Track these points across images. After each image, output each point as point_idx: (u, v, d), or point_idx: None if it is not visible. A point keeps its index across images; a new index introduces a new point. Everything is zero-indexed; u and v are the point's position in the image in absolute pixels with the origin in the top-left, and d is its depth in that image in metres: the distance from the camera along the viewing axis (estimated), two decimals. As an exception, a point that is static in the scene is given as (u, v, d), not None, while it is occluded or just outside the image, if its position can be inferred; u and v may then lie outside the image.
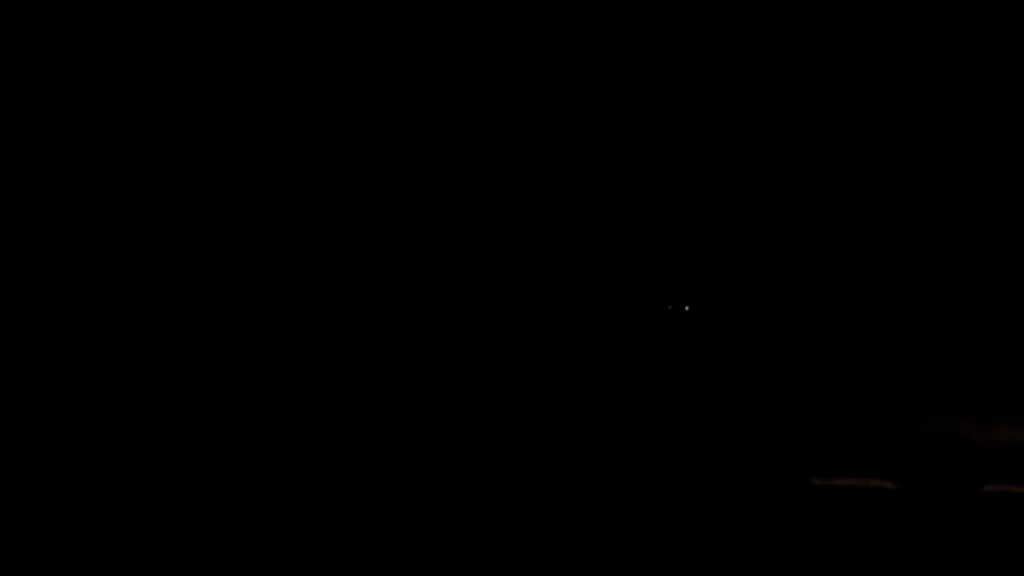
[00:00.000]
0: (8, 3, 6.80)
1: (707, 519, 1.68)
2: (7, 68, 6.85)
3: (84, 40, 7.19)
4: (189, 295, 7.53)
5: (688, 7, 7.94)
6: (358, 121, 8.53)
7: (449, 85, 8.57)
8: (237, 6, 7.39)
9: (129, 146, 7.28)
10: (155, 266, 7.57)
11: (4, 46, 6.83)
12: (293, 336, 7.59)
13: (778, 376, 10.99)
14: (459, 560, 1.54)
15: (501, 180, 9.31)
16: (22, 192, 6.98)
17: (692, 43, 8.47)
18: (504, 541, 1.61)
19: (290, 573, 1.82)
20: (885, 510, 1.74)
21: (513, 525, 1.65)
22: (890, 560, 1.55)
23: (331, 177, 8.28)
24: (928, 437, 1.87)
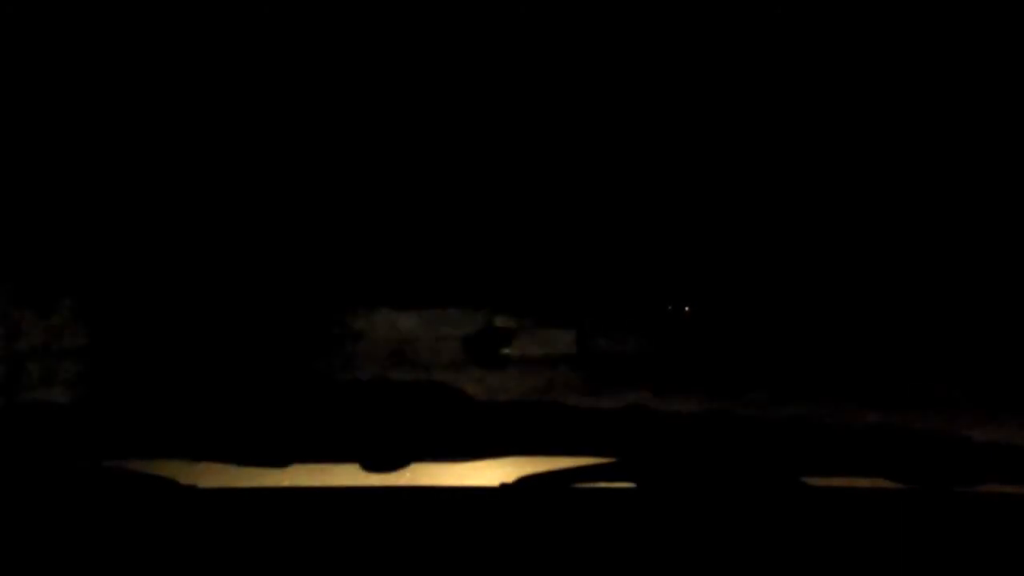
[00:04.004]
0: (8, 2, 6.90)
1: (697, 521, 1.62)
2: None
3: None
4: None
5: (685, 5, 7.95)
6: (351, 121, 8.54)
7: (449, 83, 8.56)
8: None
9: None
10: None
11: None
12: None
13: (771, 372, 11.01)
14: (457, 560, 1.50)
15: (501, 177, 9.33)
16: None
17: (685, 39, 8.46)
18: (501, 542, 1.56)
19: None
20: (882, 510, 1.69)
21: (512, 533, 1.60)
22: (887, 561, 1.50)
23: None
24: (926, 436, 1.82)
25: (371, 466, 1.68)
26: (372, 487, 1.74)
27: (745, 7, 9.05)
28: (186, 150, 9.30)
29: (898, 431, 1.79)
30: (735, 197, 11.64)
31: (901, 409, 10.10)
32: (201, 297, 10.17)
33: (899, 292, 12.15)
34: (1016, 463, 1.71)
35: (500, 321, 15.60)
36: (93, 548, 1.50)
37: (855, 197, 11.38)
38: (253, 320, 10.99)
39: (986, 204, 10.67)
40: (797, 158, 10.79)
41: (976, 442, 1.75)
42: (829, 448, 1.77)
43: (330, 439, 1.71)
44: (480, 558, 1.49)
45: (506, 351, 15.71)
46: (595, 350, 15.70)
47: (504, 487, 1.73)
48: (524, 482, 1.72)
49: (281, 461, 1.70)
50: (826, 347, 12.04)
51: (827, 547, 1.54)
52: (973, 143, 9.92)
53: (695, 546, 1.54)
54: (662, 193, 11.74)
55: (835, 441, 1.79)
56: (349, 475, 1.73)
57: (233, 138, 9.34)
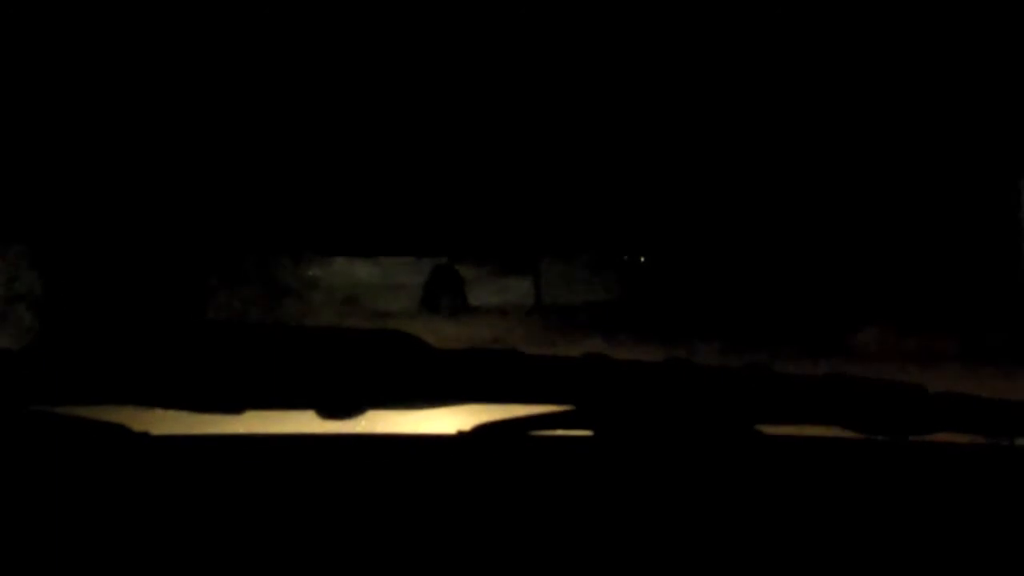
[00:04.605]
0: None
1: (655, 469, 1.62)
2: None
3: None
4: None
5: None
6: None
7: (402, 31, 8.50)
8: None
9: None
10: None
11: None
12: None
13: (725, 323, 11.14)
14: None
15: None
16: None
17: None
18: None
19: None
20: (837, 459, 1.69)
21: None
22: (842, 510, 1.51)
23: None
24: (880, 385, 1.82)
25: (326, 413, 1.66)
26: (327, 435, 1.72)
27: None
28: (137, 98, 9.15)
29: (852, 380, 1.80)
30: (692, 149, 11.66)
31: (854, 359, 10.24)
32: (151, 242, 10.03)
33: (851, 243, 12.27)
34: (970, 413, 1.73)
35: (457, 270, 15.57)
36: (40, 495, 1.47)
37: (805, 151, 11.48)
38: (205, 266, 10.86)
39: (915, 160, 10.86)
40: (755, 113, 10.83)
41: (930, 392, 1.76)
42: (785, 397, 1.77)
43: (285, 386, 1.68)
44: (435, 507, 1.48)
45: (462, 300, 15.70)
46: (552, 298, 15.72)
47: (460, 435, 1.72)
48: (481, 430, 1.71)
49: (235, 408, 1.68)
50: (777, 297, 12.14)
51: (783, 496, 1.54)
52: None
53: (653, 494, 1.53)
54: (622, 144, 11.74)
55: (791, 390, 1.80)
56: (304, 422, 1.72)
57: (184, 87, 9.20)
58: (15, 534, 1.36)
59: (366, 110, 10.47)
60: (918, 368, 9.26)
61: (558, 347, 11.95)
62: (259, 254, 11.63)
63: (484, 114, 11.33)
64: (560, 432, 1.71)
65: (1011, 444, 1.68)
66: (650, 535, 1.43)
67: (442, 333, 12.04)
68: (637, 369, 1.75)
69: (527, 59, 10.12)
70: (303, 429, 1.75)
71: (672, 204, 13.12)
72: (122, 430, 1.66)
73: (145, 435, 1.68)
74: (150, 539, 1.39)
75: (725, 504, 1.51)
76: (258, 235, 11.00)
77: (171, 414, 1.69)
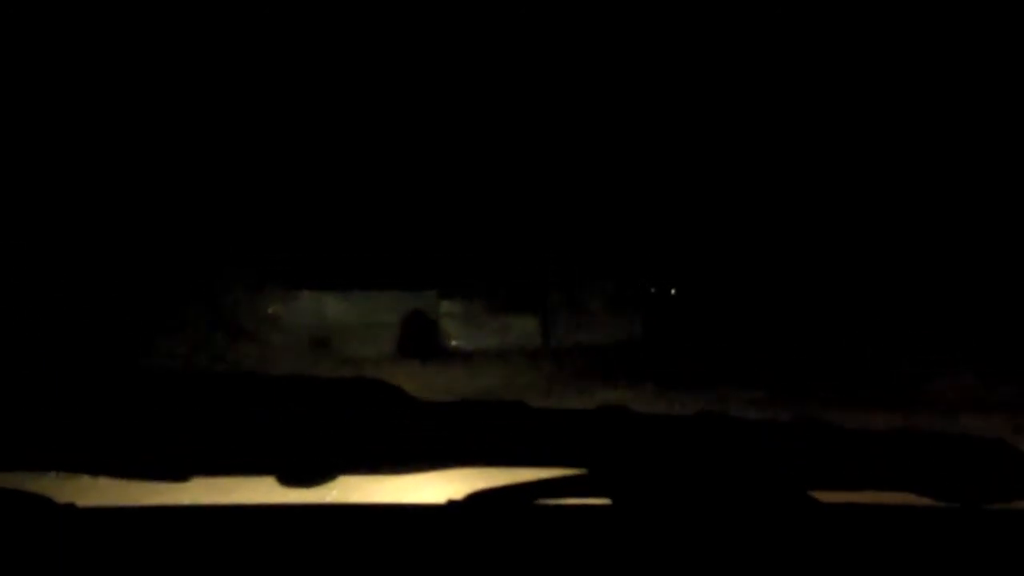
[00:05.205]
0: None
1: (684, 544, 1.62)
2: None
3: None
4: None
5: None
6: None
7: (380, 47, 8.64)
8: None
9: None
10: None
11: None
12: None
13: (771, 367, 11.14)
14: None
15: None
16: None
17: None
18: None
19: None
20: (908, 531, 1.69)
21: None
22: None
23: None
24: (960, 443, 1.82)
25: (290, 480, 1.66)
26: (291, 505, 1.72)
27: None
28: (86, 123, 9.27)
29: (924, 437, 1.80)
30: (735, 157, 11.72)
31: (929, 411, 10.21)
32: (74, 270, 10.01)
33: (908, 284, 12.29)
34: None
35: (446, 306, 15.54)
36: None
37: (856, 187, 11.61)
38: (141, 301, 10.82)
39: (981, 200, 11.01)
40: (797, 149, 10.97)
41: (1018, 450, 1.76)
42: (844, 457, 1.77)
43: (239, 448, 1.68)
44: None
45: (454, 342, 15.68)
46: (562, 339, 15.71)
47: (452, 504, 1.72)
48: (476, 498, 1.71)
49: (179, 474, 1.68)
50: (836, 334, 12.13)
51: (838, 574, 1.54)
52: (966, 140, 10.31)
53: (680, 574, 1.54)
54: (647, 153, 11.80)
55: (851, 448, 1.80)
56: (263, 491, 1.71)
57: (136, 107, 9.33)
58: None
59: (338, 114, 10.52)
60: (1004, 421, 9.25)
61: (569, 399, 11.94)
62: (207, 286, 11.61)
63: (479, 118, 11.36)
64: (571, 500, 1.71)
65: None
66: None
67: (430, 383, 12.03)
68: (662, 425, 1.76)
69: (533, 53, 10.20)
70: (261, 499, 1.75)
71: (709, 223, 13.13)
72: (43, 501, 1.66)
73: (70, 506, 1.68)
74: None
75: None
76: (206, 262, 10.99)
77: (102, 482, 1.69)
